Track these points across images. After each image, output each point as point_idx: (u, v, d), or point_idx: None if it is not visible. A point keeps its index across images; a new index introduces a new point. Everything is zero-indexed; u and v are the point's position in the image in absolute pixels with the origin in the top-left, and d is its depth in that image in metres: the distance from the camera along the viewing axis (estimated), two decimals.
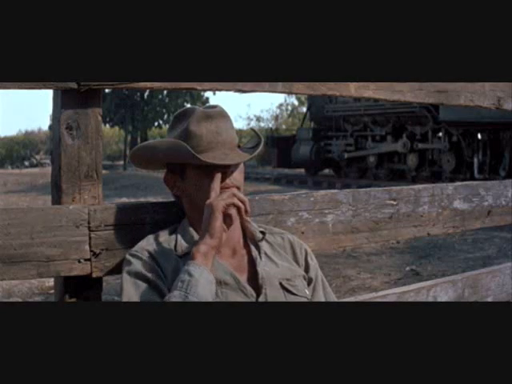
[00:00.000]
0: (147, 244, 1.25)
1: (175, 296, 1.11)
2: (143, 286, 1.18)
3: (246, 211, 1.21)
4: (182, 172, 1.29)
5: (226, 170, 1.25)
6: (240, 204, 1.20)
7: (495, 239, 6.12)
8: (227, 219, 1.21)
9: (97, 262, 1.27)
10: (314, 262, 1.39)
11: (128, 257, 1.23)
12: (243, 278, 1.26)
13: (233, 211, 1.21)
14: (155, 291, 1.18)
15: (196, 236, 1.26)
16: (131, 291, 1.18)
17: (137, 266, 1.20)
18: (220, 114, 1.29)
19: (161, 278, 1.20)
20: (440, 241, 6.03)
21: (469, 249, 5.80)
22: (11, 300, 4.04)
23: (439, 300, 1.89)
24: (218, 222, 1.17)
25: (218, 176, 1.23)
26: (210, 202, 1.19)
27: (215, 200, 1.19)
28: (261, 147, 1.32)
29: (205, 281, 1.13)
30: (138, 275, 1.19)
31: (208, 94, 23.60)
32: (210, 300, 1.13)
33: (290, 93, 1.56)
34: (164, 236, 1.27)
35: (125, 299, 1.18)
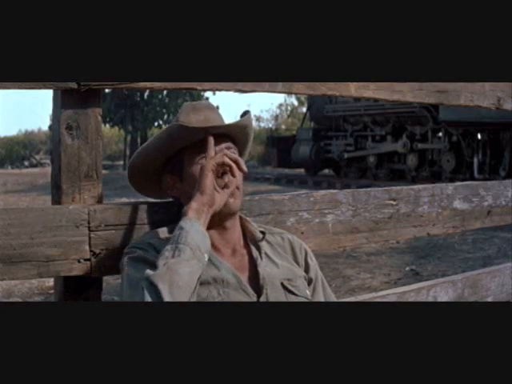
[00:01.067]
0: (147, 238, 1.25)
1: (167, 249, 1.11)
2: (143, 266, 1.16)
3: (240, 169, 1.22)
4: (181, 171, 1.29)
5: (221, 147, 1.26)
6: (231, 162, 1.20)
7: (495, 239, 6.12)
8: (219, 181, 1.21)
9: (97, 261, 1.27)
10: (313, 262, 1.39)
11: (128, 249, 1.23)
12: (244, 277, 1.25)
13: (227, 172, 1.22)
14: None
15: None
16: (131, 272, 1.17)
17: (138, 252, 1.20)
18: (207, 106, 1.33)
19: None
20: (440, 241, 6.04)
21: (469, 249, 5.80)
22: (11, 300, 4.04)
23: (439, 300, 1.89)
24: (208, 179, 1.18)
25: (211, 140, 1.24)
26: (202, 164, 1.21)
27: (206, 161, 1.21)
28: (248, 116, 1.33)
29: (195, 231, 1.13)
30: (139, 259, 1.19)
31: (208, 93, 23.64)
32: (202, 249, 1.12)
33: (289, 93, 1.56)
34: (164, 233, 1.27)
35: (125, 280, 1.17)
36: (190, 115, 1.29)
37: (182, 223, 1.15)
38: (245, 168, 1.22)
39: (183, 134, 1.25)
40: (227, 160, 1.20)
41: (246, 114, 1.34)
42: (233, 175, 1.22)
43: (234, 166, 1.20)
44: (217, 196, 1.20)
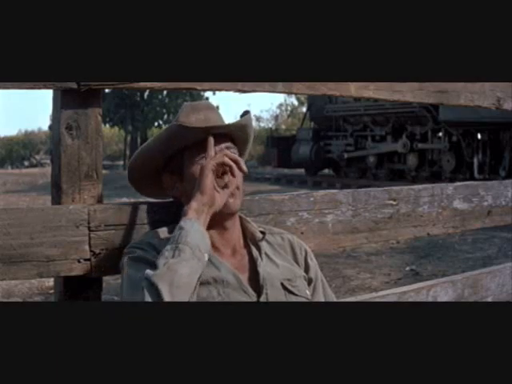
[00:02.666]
0: (147, 238, 1.25)
1: (167, 249, 1.11)
2: (144, 266, 1.15)
3: (240, 169, 1.21)
4: (181, 171, 1.29)
5: (221, 147, 1.26)
6: (231, 163, 1.20)
7: (495, 239, 6.12)
8: (219, 181, 1.21)
9: (97, 261, 1.27)
10: (313, 262, 1.39)
11: (128, 249, 1.23)
12: (244, 277, 1.25)
13: (227, 173, 1.21)
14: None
15: None
16: (131, 272, 1.17)
17: (138, 252, 1.20)
18: (207, 106, 1.33)
19: None
20: (440, 241, 6.04)
21: (469, 249, 5.80)
22: (11, 300, 4.04)
23: (439, 300, 1.89)
24: (208, 179, 1.18)
25: (211, 140, 1.24)
26: (201, 164, 1.21)
27: (206, 161, 1.21)
28: (248, 116, 1.33)
29: (195, 231, 1.13)
30: (139, 259, 1.19)
31: (208, 93, 23.62)
32: (202, 249, 1.12)
33: (289, 93, 1.56)
34: (164, 233, 1.27)
35: (125, 280, 1.17)
36: (189, 115, 1.29)
37: (182, 223, 1.15)
38: (245, 168, 1.22)
39: (183, 134, 1.25)
40: (227, 160, 1.20)
41: (246, 113, 1.34)
42: (233, 175, 1.22)
43: (234, 166, 1.20)
44: (217, 196, 1.20)
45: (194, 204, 1.18)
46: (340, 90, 1.60)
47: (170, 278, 1.06)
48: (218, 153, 1.24)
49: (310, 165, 14.53)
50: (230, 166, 1.20)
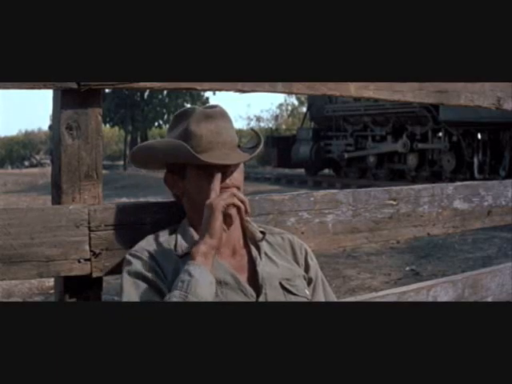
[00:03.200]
0: (147, 244, 1.25)
1: (175, 296, 1.11)
2: (143, 285, 1.18)
3: (246, 211, 1.21)
4: (183, 171, 1.29)
5: (226, 170, 1.25)
6: (240, 204, 1.20)
7: (495, 239, 6.12)
8: (227, 219, 1.20)
9: (97, 261, 1.27)
10: (313, 262, 1.39)
11: (128, 257, 1.23)
12: (243, 277, 1.25)
13: (233, 211, 1.21)
14: (155, 291, 1.18)
15: (196, 236, 1.26)
16: (131, 291, 1.18)
17: (137, 265, 1.20)
18: (220, 114, 1.29)
19: (161, 278, 1.19)
20: (440, 241, 6.03)
21: (469, 249, 5.80)
22: (11, 300, 4.04)
23: (439, 300, 1.89)
24: (218, 222, 1.17)
25: (218, 176, 1.23)
26: (210, 202, 1.19)
27: (215, 200, 1.19)
28: (261, 147, 1.32)
29: (205, 281, 1.13)
30: (137, 275, 1.19)
31: (208, 93, 23.61)
32: (210, 300, 1.13)
33: (289, 93, 1.56)
34: (164, 236, 1.27)
35: (125, 299, 1.18)
36: (201, 124, 1.26)
37: (192, 269, 1.13)
38: (249, 209, 1.22)
39: (192, 159, 1.23)
40: (237, 201, 1.19)
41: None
42: (240, 217, 1.22)
43: (242, 207, 1.20)
44: (223, 236, 1.20)
45: (202, 248, 1.16)
46: (340, 90, 1.60)
47: None
48: (223, 184, 1.23)
49: (310, 165, 14.52)
50: (239, 207, 1.20)
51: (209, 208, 1.18)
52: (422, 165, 12.27)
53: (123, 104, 23.47)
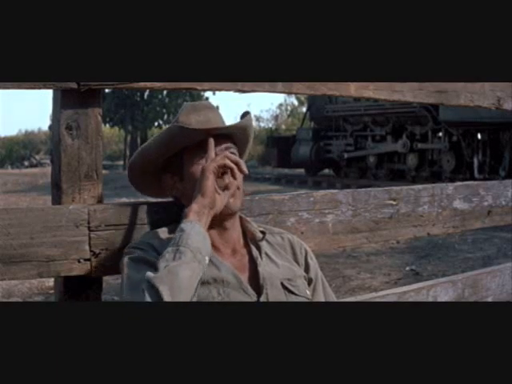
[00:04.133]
0: (147, 238, 1.25)
1: (168, 252, 1.11)
2: (144, 267, 1.15)
3: (241, 171, 1.21)
4: (181, 171, 1.29)
5: (221, 148, 1.26)
6: (232, 165, 1.20)
7: (495, 239, 6.12)
8: (220, 181, 1.21)
9: (97, 261, 1.27)
10: (313, 262, 1.39)
11: (128, 249, 1.22)
12: (244, 277, 1.25)
13: (227, 176, 1.21)
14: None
15: None
16: (131, 273, 1.17)
17: (138, 252, 1.20)
18: (207, 106, 1.33)
19: None
20: (440, 241, 6.03)
21: (469, 249, 5.80)
22: (11, 300, 4.04)
23: (439, 300, 1.89)
24: (209, 181, 1.18)
25: (211, 143, 1.24)
26: (203, 166, 1.21)
27: (208, 163, 1.20)
28: (248, 117, 1.33)
29: (196, 233, 1.13)
30: (138, 259, 1.18)
31: (208, 93, 23.62)
32: (203, 252, 1.12)
33: (289, 93, 1.56)
34: (164, 233, 1.27)
35: (125, 281, 1.16)
36: (190, 115, 1.29)
37: (183, 225, 1.14)
38: (245, 169, 1.22)
39: (183, 135, 1.25)
40: (228, 162, 1.20)
41: (246, 114, 1.34)
42: (234, 177, 1.22)
43: (235, 167, 1.20)
44: (217, 198, 1.20)
45: (194, 206, 1.18)
46: (340, 90, 1.60)
47: (171, 281, 1.06)
48: (218, 153, 1.24)
49: (310, 165, 14.52)
50: (231, 168, 1.20)
51: (201, 171, 1.20)
52: (421, 165, 12.28)
53: (123, 104, 23.46)
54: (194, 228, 1.14)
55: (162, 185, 1.34)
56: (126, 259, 1.20)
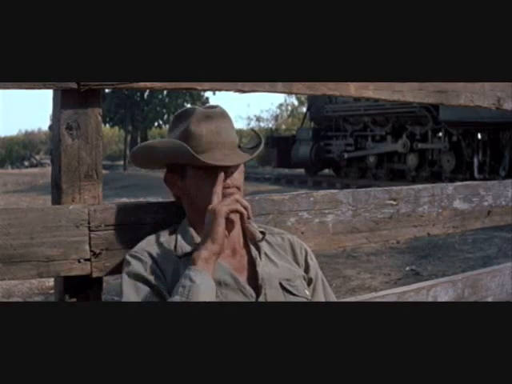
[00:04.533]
0: (147, 245, 1.25)
1: (176, 301, 1.11)
2: (143, 288, 1.18)
3: (249, 217, 1.21)
4: (183, 171, 1.29)
5: (227, 171, 1.25)
6: (243, 210, 1.19)
7: (495, 239, 6.12)
8: (229, 225, 1.19)
9: (97, 262, 1.27)
10: (313, 262, 1.39)
11: (128, 258, 1.23)
12: (243, 278, 1.25)
13: (235, 217, 1.20)
14: (155, 293, 1.17)
15: (196, 236, 1.26)
16: (130, 293, 1.18)
17: (136, 267, 1.20)
18: (220, 114, 1.29)
19: (160, 280, 1.19)
20: (440, 241, 6.03)
21: (469, 249, 5.80)
22: (11, 300, 4.04)
23: (439, 300, 1.89)
24: (221, 227, 1.16)
25: (221, 179, 1.22)
26: (213, 207, 1.18)
27: (218, 205, 1.18)
28: (261, 148, 1.32)
29: (206, 287, 1.12)
30: (137, 277, 1.19)
31: (208, 93, 23.62)
32: None
33: (289, 93, 1.56)
34: (164, 236, 1.27)
35: (124, 300, 1.18)
36: (201, 123, 1.26)
37: (193, 274, 1.13)
38: (251, 215, 1.21)
39: (193, 160, 1.23)
40: (240, 208, 1.19)
41: (257, 135, 1.34)
42: (242, 221, 1.21)
43: (245, 213, 1.20)
44: (225, 242, 1.19)
45: (204, 253, 1.15)
46: (340, 90, 1.59)
47: None
48: (227, 196, 1.22)
49: (310, 165, 14.52)
50: (242, 213, 1.20)
51: (211, 213, 1.17)
52: (421, 165, 12.27)
53: (123, 104, 23.48)
54: (204, 280, 1.12)
55: (164, 178, 1.34)
56: (124, 271, 1.21)
